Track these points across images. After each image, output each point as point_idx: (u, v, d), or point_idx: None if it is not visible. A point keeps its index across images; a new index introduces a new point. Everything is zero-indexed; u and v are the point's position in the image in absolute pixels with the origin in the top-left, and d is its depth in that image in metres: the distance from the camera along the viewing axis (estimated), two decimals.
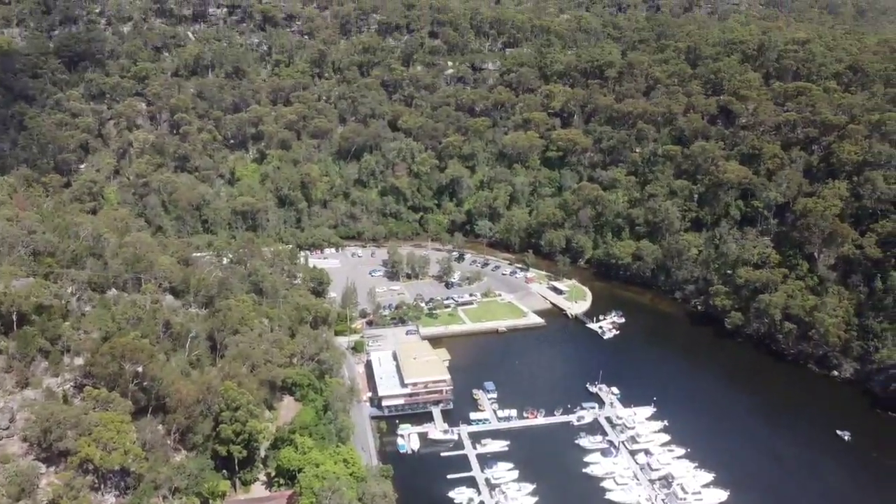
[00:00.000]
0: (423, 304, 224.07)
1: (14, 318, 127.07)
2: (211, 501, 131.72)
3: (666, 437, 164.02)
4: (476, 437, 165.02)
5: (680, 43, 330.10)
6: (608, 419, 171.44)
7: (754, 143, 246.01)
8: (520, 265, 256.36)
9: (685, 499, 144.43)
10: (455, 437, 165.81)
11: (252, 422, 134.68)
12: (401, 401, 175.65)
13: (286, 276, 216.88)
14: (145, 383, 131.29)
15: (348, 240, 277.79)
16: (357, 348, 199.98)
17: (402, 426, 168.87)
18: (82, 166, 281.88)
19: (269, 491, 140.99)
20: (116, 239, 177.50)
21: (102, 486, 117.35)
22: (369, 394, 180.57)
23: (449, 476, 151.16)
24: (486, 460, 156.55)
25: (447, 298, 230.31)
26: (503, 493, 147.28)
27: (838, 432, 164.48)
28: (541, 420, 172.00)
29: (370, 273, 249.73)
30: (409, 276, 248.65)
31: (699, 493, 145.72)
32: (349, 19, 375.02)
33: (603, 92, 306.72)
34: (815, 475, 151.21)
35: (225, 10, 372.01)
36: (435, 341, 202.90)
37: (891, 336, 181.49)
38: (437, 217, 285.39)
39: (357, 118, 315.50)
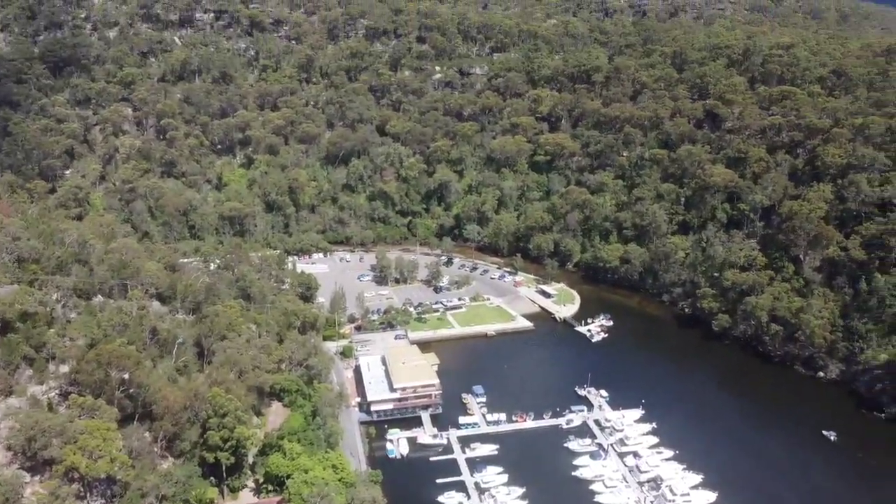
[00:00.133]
0: (411, 309, 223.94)
1: None
2: None
3: (655, 440, 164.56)
4: (465, 442, 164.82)
5: (666, 48, 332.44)
6: (597, 422, 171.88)
7: (740, 146, 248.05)
8: (508, 269, 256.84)
9: (674, 500, 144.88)
10: (444, 441, 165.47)
11: (240, 428, 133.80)
12: (390, 405, 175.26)
13: (274, 281, 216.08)
14: (132, 390, 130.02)
15: (336, 245, 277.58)
16: (346, 353, 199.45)
17: (391, 431, 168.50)
18: (67, 172, 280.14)
19: (258, 497, 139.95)
20: (102, 245, 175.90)
21: (88, 495, 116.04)
22: (358, 399, 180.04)
23: (438, 480, 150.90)
24: (476, 464, 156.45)
25: (436, 303, 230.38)
26: (493, 496, 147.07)
27: (824, 433, 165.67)
28: (530, 423, 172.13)
29: (358, 278, 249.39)
30: (397, 281, 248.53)
31: (688, 494, 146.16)
32: (337, 24, 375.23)
33: (590, 96, 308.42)
34: (802, 475, 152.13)
35: (212, 15, 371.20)
36: (424, 346, 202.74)
37: (875, 337, 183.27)
38: (426, 221, 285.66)
39: (345, 123, 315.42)
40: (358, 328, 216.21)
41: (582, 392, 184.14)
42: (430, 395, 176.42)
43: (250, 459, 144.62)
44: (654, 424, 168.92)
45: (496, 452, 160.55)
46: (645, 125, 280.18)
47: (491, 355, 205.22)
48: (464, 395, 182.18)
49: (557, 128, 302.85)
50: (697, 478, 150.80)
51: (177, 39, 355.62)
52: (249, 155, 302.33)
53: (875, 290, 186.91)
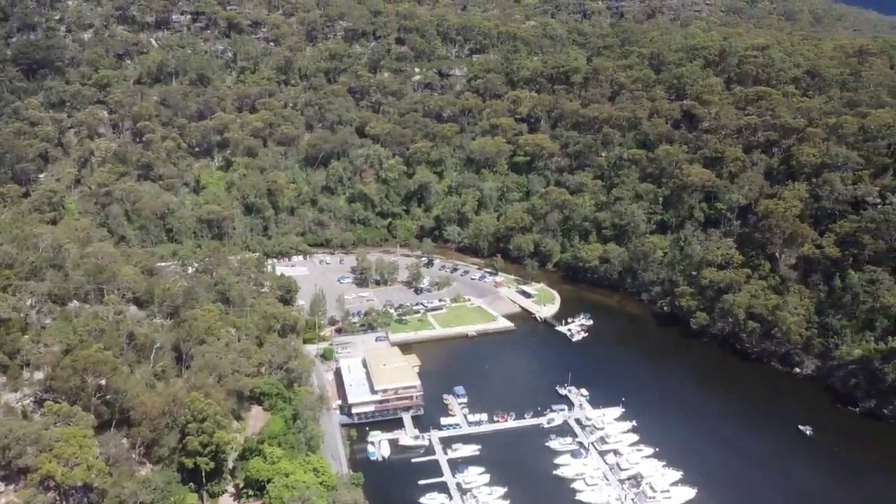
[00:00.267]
0: (392, 311, 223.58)
1: None
2: None
3: (634, 437, 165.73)
4: (447, 443, 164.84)
5: (644, 49, 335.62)
6: (578, 421, 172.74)
7: (717, 146, 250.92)
8: (489, 270, 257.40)
9: (654, 497, 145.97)
10: (426, 442, 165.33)
11: (219, 433, 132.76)
12: (371, 408, 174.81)
13: (253, 284, 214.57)
14: (108, 396, 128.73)
15: (316, 247, 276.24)
16: (326, 356, 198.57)
17: (372, 433, 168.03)
18: (42, 176, 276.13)
19: (238, 502, 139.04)
20: (77, 249, 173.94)
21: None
22: (339, 401, 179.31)
23: (420, 482, 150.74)
24: (457, 465, 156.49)
25: (416, 304, 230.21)
26: (475, 497, 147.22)
27: (801, 427, 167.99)
28: (511, 423, 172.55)
29: (339, 280, 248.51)
30: (378, 283, 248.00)
31: (668, 491, 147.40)
32: (315, 26, 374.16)
33: (569, 97, 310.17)
34: (779, 470, 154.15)
35: (189, 16, 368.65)
36: (405, 347, 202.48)
37: (849, 333, 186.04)
38: (406, 223, 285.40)
39: (324, 125, 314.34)
40: (338, 330, 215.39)
41: (563, 391, 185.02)
42: (411, 397, 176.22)
43: (230, 464, 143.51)
44: (633, 422, 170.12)
45: (478, 453, 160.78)
46: (623, 125, 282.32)
47: (472, 356, 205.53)
48: (445, 396, 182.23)
49: (537, 129, 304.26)
50: (677, 474, 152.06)
51: (153, 41, 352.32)
52: (228, 157, 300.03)
53: (849, 287, 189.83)
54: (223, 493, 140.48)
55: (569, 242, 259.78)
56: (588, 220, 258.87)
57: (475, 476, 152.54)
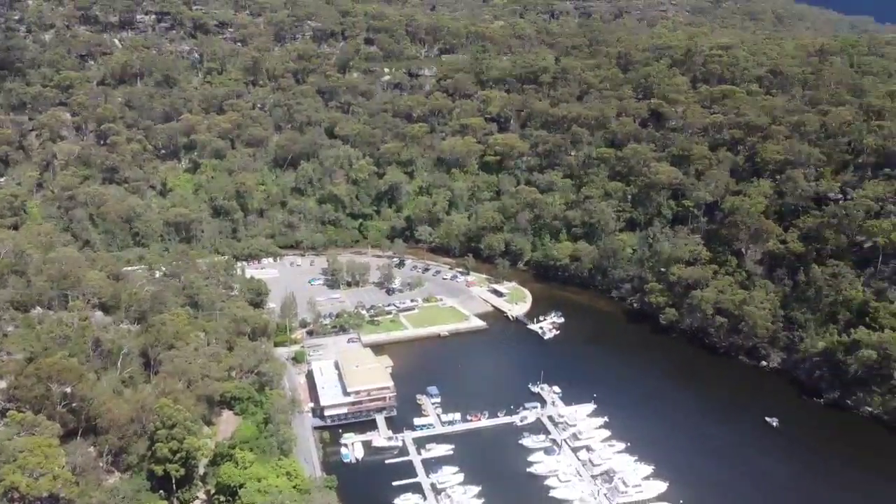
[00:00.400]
0: (364, 312, 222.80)
1: None
2: None
3: (607, 433, 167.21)
4: (420, 443, 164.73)
5: (611, 49, 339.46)
6: (550, 418, 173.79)
7: (684, 144, 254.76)
8: (460, 269, 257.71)
9: (626, 492, 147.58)
10: (399, 443, 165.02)
11: (190, 439, 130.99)
12: (344, 409, 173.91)
13: (223, 287, 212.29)
14: (74, 404, 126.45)
15: (286, 249, 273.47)
16: (298, 359, 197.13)
17: (345, 435, 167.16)
18: (2, 180, 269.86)
19: None
20: (40, 255, 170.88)
21: None
22: (311, 404, 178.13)
23: (394, 483, 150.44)
24: (431, 465, 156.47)
25: (388, 305, 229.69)
26: (449, 497, 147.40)
27: (767, 419, 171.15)
28: (484, 422, 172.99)
29: (310, 282, 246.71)
30: (349, 284, 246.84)
31: (639, 485, 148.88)
32: (283, 26, 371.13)
33: (538, 97, 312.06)
34: (747, 461, 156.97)
35: (153, 16, 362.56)
36: (377, 348, 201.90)
37: (813, 326, 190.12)
38: (377, 224, 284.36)
39: (293, 126, 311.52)
40: (310, 333, 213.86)
41: (535, 389, 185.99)
42: (384, 398, 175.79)
43: (201, 470, 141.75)
44: (605, 418, 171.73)
45: (452, 452, 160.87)
46: (592, 125, 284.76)
47: (445, 356, 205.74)
48: (418, 397, 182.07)
49: (506, 128, 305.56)
50: (649, 468, 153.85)
51: (117, 42, 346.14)
52: (195, 159, 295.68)
53: (812, 281, 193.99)
54: (194, 499, 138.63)
55: (539, 241, 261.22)
56: (558, 219, 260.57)
57: (449, 476, 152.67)
